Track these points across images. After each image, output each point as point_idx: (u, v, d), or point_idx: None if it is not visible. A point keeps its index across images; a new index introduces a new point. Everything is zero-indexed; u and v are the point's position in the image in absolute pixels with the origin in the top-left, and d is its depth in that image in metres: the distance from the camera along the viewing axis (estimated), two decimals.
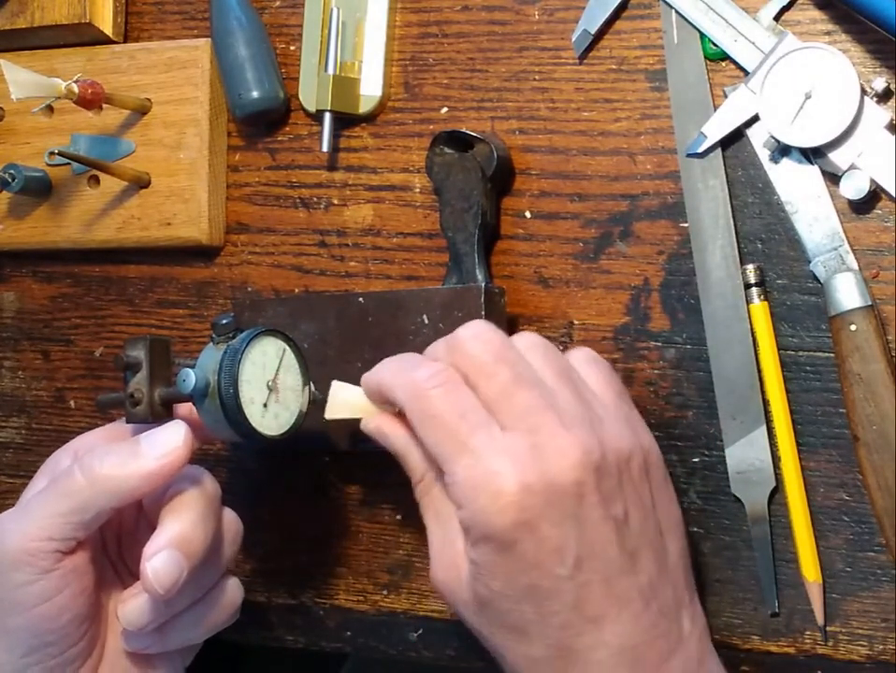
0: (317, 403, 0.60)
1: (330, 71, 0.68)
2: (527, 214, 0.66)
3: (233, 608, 0.62)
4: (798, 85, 0.59)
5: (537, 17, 0.66)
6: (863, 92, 0.59)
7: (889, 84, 0.59)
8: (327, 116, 0.68)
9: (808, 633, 0.62)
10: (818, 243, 0.61)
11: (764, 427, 0.62)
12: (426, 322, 0.63)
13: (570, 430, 0.52)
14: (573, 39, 0.65)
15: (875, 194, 0.60)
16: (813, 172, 0.61)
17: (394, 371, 0.56)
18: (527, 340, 0.56)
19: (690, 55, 0.63)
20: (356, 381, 0.58)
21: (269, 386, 0.59)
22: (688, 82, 0.63)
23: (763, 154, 0.62)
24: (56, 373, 0.76)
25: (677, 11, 0.63)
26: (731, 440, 0.62)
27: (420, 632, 0.69)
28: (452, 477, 0.52)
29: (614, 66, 0.65)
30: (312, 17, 0.69)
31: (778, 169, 0.61)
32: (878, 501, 0.59)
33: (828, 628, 0.61)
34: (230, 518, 0.61)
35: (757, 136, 0.62)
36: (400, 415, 0.56)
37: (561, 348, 0.63)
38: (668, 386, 0.64)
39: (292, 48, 0.71)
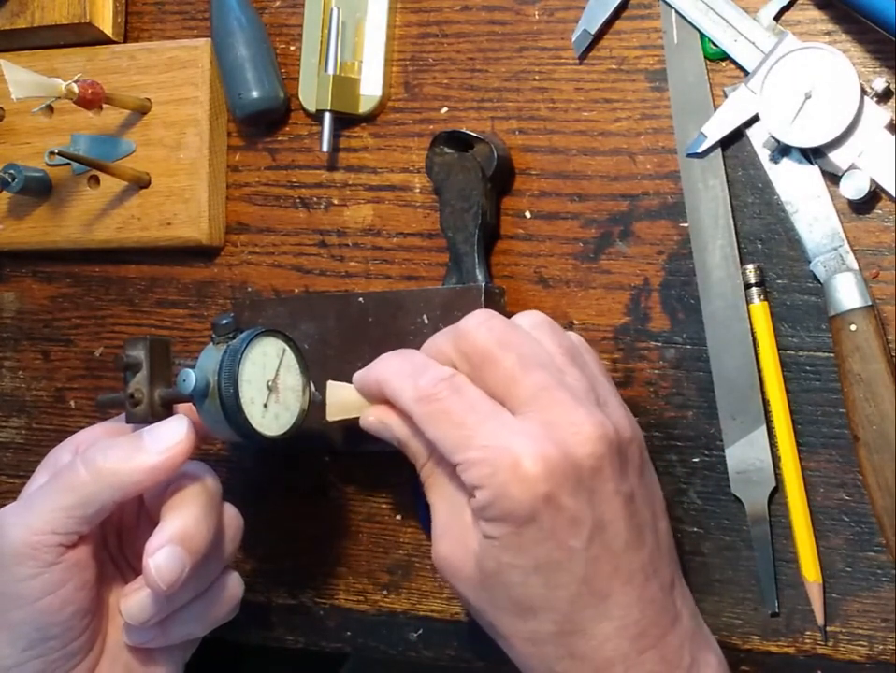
0: (317, 403, 0.60)
1: (330, 71, 0.68)
2: (527, 214, 0.66)
3: (234, 603, 0.63)
4: (798, 85, 0.59)
5: (537, 17, 0.66)
6: (863, 92, 0.59)
7: (889, 84, 0.59)
8: (327, 116, 0.68)
9: (808, 633, 0.62)
10: (818, 243, 0.61)
11: (764, 427, 0.62)
12: (426, 322, 0.63)
13: (582, 405, 0.53)
14: (573, 39, 0.65)
15: (875, 194, 0.60)
16: (813, 172, 0.61)
17: (396, 374, 0.56)
18: (532, 319, 0.57)
19: (690, 55, 0.63)
20: None
21: (269, 386, 0.59)
22: (688, 82, 0.63)
23: (763, 154, 0.62)
24: (56, 373, 0.76)
25: (677, 11, 0.63)
26: (731, 440, 0.62)
27: (420, 632, 0.69)
28: (466, 463, 0.52)
29: (614, 66, 0.65)
30: (312, 17, 0.69)
31: (778, 169, 0.61)
32: (878, 501, 0.59)
33: (828, 628, 0.61)
34: (231, 513, 0.62)
35: (757, 136, 0.62)
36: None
37: None
38: (668, 386, 0.64)
39: (292, 48, 0.71)
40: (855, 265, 0.60)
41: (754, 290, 0.62)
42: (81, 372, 0.76)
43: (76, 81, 0.66)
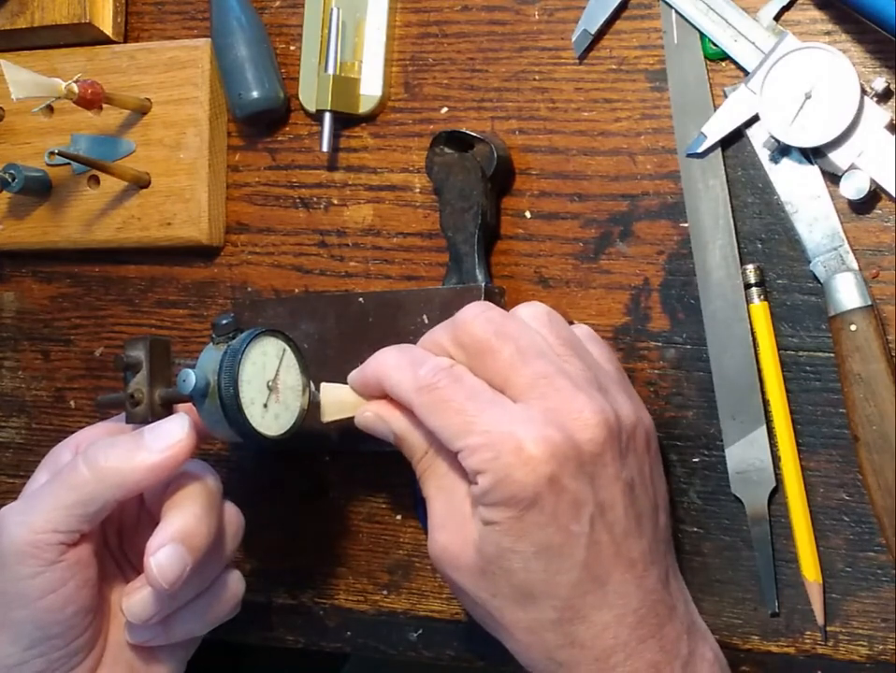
0: (317, 403, 0.60)
1: (330, 71, 0.68)
2: (527, 214, 0.66)
3: (235, 601, 0.63)
4: (798, 85, 0.59)
5: (537, 17, 0.66)
6: (863, 92, 0.59)
7: (889, 84, 0.59)
8: (327, 116, 0.68)
9: (808, 633, 0.62)
10: (818, 243, 0.61)
11: (764, 427, 0.62)
12: (426, 322, 0.63)
13: (582, 391, 0.53)
14: (573, 39, 0.65)
15: (875, 194, 0.60)
16: (813, 172, 0.61)
17: (395, 367, 0.56)
18: (531, 310, 0.57)
19: (690, 55, 0.63)
20: None
21: (269, 386, 0.59)
22: (688, 82, 0.63)
23: (763, 154, 0.62)
24: (56, 373, 0.76)
25: (677, 11, 0.63)
26: (731, 440, 0.62)
27: (420, 632, 0.69)
28: (467, 449, 0.52)
29: (614, 66, 0.65)
30: (312, 17, 0.69)
31: (778, 169, 0.61)
32: (878, 501, 0.59)
33: (828, 628, 0.61)
34: (232, 512, 0.62)
35: (757, 136, 0.62)
36: (392, 400, 0.56)
37: None
38: (668, 386, 0.64)
39: (292, 48, 0.71)
40: (855, 265, 0.60)
41: (754, 290, 0.62)
42: (81, 372, 0.76)
43: (76, 81, 0.66)
